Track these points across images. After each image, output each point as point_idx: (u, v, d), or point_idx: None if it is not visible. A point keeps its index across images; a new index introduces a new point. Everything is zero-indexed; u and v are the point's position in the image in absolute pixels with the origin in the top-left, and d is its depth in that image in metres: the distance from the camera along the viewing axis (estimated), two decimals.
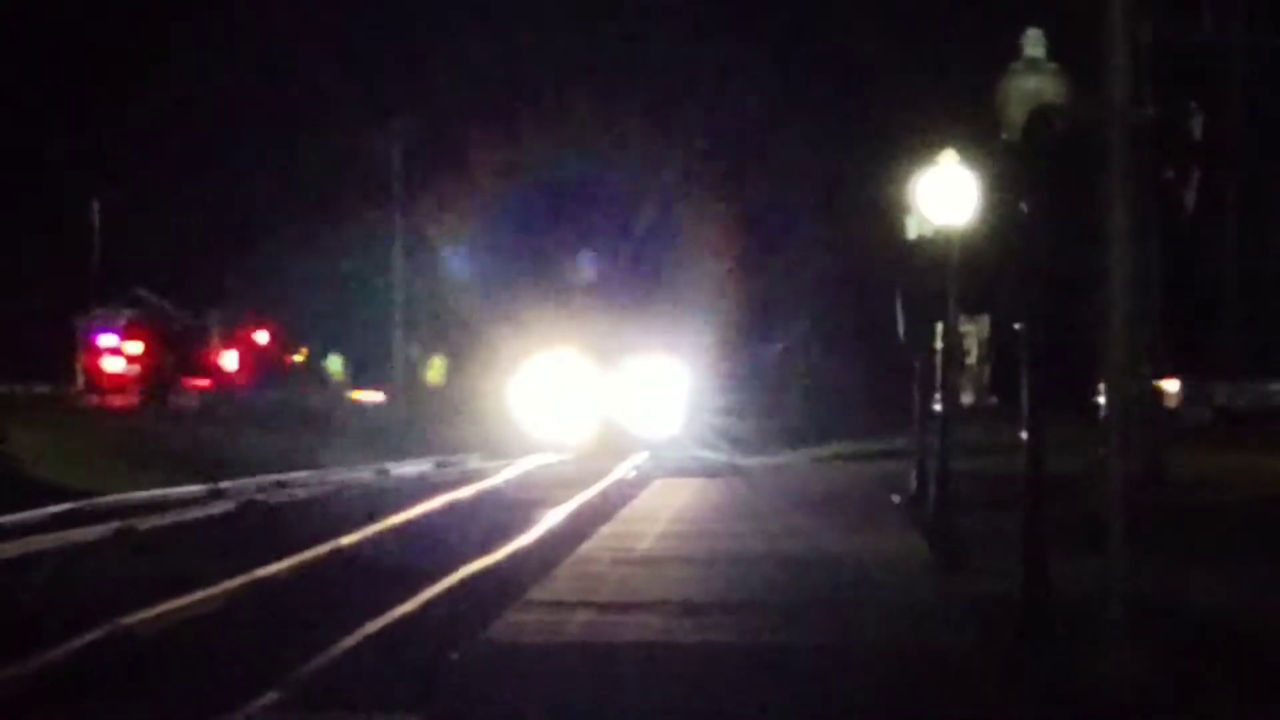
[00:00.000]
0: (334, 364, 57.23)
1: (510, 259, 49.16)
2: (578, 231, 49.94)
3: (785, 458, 37.88)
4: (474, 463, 36.27)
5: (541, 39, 47.50)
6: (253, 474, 30.68)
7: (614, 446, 39.13)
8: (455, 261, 51.81)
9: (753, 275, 47.80)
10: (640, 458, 36.17)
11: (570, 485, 27.68)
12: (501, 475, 31.48)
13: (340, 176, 50.99)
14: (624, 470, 32.24)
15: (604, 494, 27.09)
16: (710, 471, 34.44)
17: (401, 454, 38.02)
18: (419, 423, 44.55)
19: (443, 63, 47.75)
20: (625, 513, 24.18)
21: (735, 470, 34.95)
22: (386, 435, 42.78)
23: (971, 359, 48.39)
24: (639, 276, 48.58)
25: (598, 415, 43.56)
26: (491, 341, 46.47)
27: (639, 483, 29.77)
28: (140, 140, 50.76)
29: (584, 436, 42.06)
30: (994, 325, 47.79)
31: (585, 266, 49.97)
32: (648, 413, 43.78)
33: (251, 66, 47.04)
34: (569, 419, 43.18)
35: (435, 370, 54.05)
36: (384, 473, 33.91)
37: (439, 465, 35.74)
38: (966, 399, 45.03)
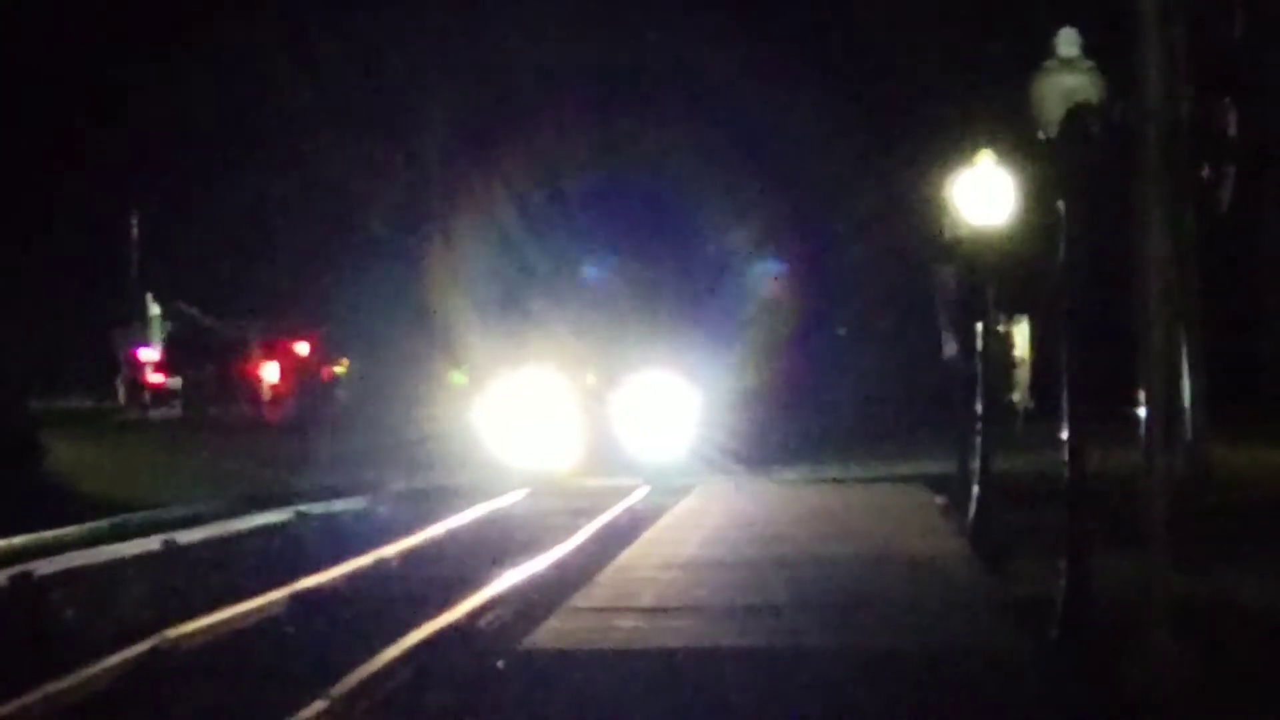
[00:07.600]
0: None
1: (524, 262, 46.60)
2: (588, 238, 47.64)
3: (814, 468, 35.78)
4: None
5: (560, 43, 46.75)
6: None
7: (609, 473, 34.84)
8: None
9: (779, 282, 46.31)
10: (639, 494, 30.28)
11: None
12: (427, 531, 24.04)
13: (377, 181, 50.61)
14: (617, 512, 26.98)
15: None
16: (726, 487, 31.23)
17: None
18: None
19: (471, 65, 47.16)
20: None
21: (758, 483, 32.14)
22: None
23: (1023, 361, 47.87)
24: (648, 285, 46.01)
25: (593, 436, 38.78)
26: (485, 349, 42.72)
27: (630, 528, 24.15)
28: (177, 151, 50.96)
29: (570, 462, 36.78)
30: (1033, 326, 47.62)
31: None
32: (652, 433, 39.11)
33: (282, 72, 46.98)
34: (557, 439, 38.12)
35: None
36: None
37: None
38: (1018, 399, 44.54)
